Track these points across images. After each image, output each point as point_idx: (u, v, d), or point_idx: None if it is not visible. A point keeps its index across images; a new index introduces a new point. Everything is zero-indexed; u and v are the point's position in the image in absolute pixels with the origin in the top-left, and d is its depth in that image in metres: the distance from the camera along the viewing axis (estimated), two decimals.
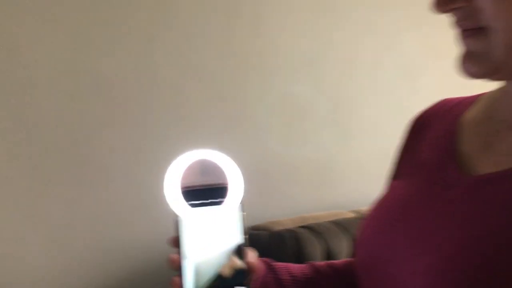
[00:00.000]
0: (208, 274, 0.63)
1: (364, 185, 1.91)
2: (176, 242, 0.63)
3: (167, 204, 0.62)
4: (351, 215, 1.71)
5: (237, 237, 0.64)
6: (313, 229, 1.50)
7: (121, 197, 1.45)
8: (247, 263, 0.64)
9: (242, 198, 0.65)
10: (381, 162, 2.05)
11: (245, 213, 0.65)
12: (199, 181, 0.64)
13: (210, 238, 0.64)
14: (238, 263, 0.64)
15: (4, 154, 1.30)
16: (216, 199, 0.64)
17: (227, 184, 0.64)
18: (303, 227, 1.52)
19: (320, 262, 0.84)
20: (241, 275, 0.63)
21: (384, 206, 0.74)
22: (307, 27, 1.78)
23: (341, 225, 1.56)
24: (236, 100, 1.65)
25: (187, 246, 0.63)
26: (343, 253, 1.50)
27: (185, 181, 0.64)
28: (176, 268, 0.62)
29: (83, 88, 1.39)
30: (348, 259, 0.86)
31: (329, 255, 1.47)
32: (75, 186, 1.39)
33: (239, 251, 0.64)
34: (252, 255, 0.68)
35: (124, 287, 1.47)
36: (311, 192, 1.80)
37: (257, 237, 1.46)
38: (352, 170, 1.89)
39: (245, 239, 0.65)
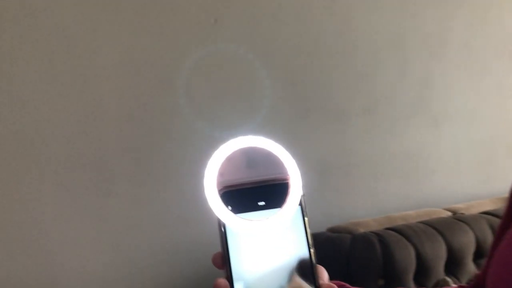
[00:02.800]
0: None
1: (458, 179, 1.70)
2: (222, 260, 0.48)
3: (208, 210, 0.47)
4: (446, 213, 1.50)
5: (301, 251, 0.48)
6: (402, 231, 1.31)
7: (186, 196, 1.33)
8: (318, 286, 0.48)
9: (303, 199, 0.49)
10: (477, 152, 1.84)
11: (307, 219, 0.49)
12: (247, 177, 0.48)
13: (266, 252, 0.48)
14: (304, 285, 0.48)
15: (66, 154, 1.22)
16: (271, 200, 0.48)
17: (284, 179, 0.48)
18: (391, 229, 1.34)
19: None
20: None
21: None
22: (391, 2, 1.58)
23: (434, 226, 1.36)
24: (307, 84, 1.47)
25: (237, 265, 0.47)
26: (439, 260, 1.31)
27: (229, 179, 0.48)
28: None
29: (144, 82, 1.28)
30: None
31: (422, 263, 1.28)
32: (138, 186, 1.29)
33: (303, 269, 0.48)
34: (323, 275, 0.51)
35: None
36: (397, 188, 1.61)
37: (339, 240, 1.29)
38: (444, 162, 1.68)
39: (312, 253, 0.49)
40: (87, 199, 1.24)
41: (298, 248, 0.48)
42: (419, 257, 1.28)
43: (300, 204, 0.48)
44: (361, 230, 1.33)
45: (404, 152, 1.60)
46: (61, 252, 1.22)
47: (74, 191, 1.23)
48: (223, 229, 0.48)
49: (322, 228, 1.38)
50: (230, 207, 0.47)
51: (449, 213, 1.51)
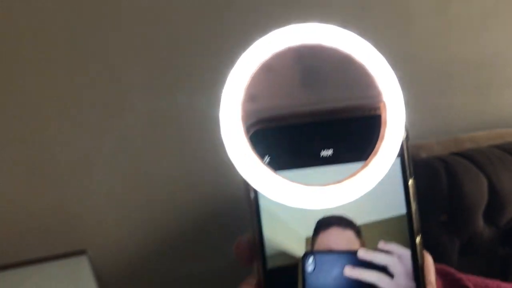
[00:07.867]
0: None
1: None
2: (250, 251, 0.28)
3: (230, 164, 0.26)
4: None
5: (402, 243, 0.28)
6: (473, 158, 1.10)
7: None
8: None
9: (405, 144, 0.29)
10: None
11: (412, 182, 0.29)
12: (301, 103, 0.26)
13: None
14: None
15: None
16: (344, 148, 0.27)
17: (372, 109, 0.27)
18: (458, 154, 1.12)
19: None
20: None
21: None
22: None
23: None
24: None
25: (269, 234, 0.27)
26: None
27: (267, 106, 0.26)
28: None
29: None
30: None
31: (496, 197, 1.07)
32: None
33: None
34: (429, 276, 0.31)
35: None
36: (465, 104, 1.36)
37: None
38: None
39: (418, 243, 0.28)
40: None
41: (398, 238, 0.29)
42: (493, 190, 1.06)
43: (401, 154, 0.28)
44: (423, 154, 1.12)
45: (478, 60, 1.34)
46: (70, 173, 1.07)
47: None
48: (253, 198, 0.27)
49: None
50: (267, 158, 0.26)
51: None
